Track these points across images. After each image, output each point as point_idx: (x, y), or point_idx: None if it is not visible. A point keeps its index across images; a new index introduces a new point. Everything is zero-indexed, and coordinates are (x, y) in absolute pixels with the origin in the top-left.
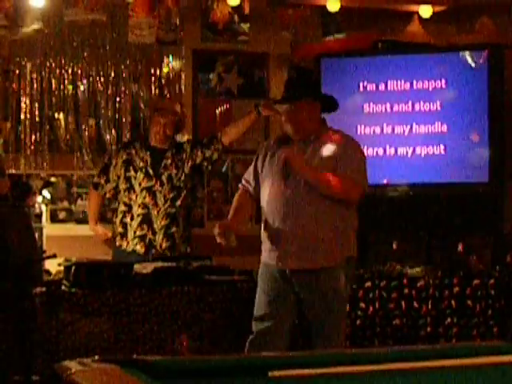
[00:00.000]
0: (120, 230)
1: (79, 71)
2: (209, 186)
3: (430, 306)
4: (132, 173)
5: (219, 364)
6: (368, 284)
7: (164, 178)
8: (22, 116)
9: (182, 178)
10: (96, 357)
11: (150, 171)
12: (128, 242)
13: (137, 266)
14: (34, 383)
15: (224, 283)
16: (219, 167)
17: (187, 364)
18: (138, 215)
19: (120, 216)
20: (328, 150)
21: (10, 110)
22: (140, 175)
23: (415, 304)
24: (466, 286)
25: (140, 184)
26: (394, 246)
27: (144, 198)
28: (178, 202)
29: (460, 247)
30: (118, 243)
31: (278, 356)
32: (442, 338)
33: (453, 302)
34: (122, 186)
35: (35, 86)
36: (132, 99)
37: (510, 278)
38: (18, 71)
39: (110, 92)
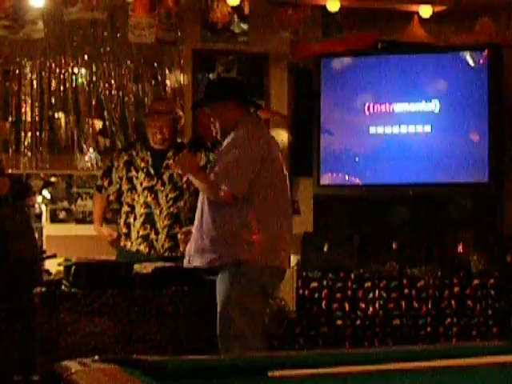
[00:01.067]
0: (124, 230)
1: (79, 71)
2: None
3: (429, 306)
4: (133, 173)
5: (219, 364)
6: (368, 284)
7: (165, 177)
8: (22, 116)
9: (185, 178)
10: (96, 357)
11: (151, 171)
12: (132, 242)
13: (137, 266)
14: (33, 383)
15: None
16: None
17: (187, 364)
18: (141, 215)
19: (124, 217)
20: (219, 149)
21: (10, 110)
22: (141, 175)
23: (415, 304)
24: (465, 286)
25: (141, 184)
26: (394, 246)
27: (146, 197)
28: (181, 203)
29: (460, 247)
30: (122, 243)
31: (277, 356)
32: (442, 338)
33: (453, 302)
34: (125, 187)
35: (35, 85)
36: (133, 99)
37: (509, 278)
38: (18, 71)
39: (110, 92)
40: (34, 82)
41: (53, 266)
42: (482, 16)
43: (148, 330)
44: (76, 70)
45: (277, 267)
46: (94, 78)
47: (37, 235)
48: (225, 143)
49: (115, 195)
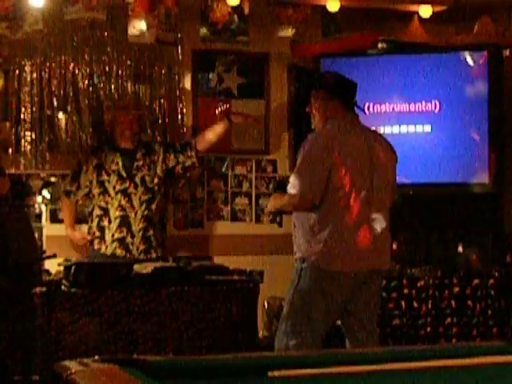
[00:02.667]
0: (97, 233)
1: (79, 71)
2: (209, 186)
3: (429, 306)
4: (105, 177)
5: (219, 364)
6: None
7: (137, 179)
8: (22, 116)
9: (156, 180)
10: (96, 357)
11: (123, 173)
12: (106, 246)
13: (136, 266)
14: (33, 383)
15: (223, 283)
16: (218, 168)
17: (187, 364)
18: (116, 218)
19: (96, 220)
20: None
21: (10, 110)
22: (113, 178)
23: (415, 304)
24: (465, 286)
25: (114, 187)
26: (394, 246)
27: (120, 200)
28: (154, 205)
29: (460, 247)
30: (96, 246)
31: (277, 356)
32: (442, 338)
33: (453, 302)
34: (96, 191)
35: (35, 85)
36: (133, 99)
37: (509, 278)
38: (17, 71)
39: (110, 92)
40: (34, 82)
41: (53, 266)
42: (481, 16)
43: (148, 329)
44: (76, 70)
45: (338, 272)
46: (94, 79)
47: (37, 235)
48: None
49: (84, 199)
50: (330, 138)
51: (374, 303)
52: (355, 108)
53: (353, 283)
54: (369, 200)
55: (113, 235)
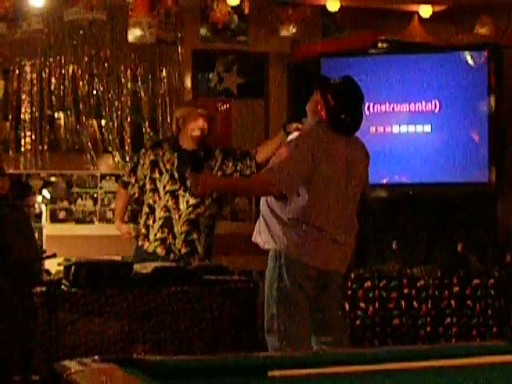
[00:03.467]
0: (143, 231)
1: (79, 71)
2: None
3: (429, 306)
4: (157, 175)
5: (219, 364)
6: (368, 284)
7: (189, 182)
8: (22, 116)
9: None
10: (96, 357)
11: (175, 174)
12: (150, 243)
13: (136, 266)
14: (33, 383)
15: (223, 283)
16: None
17: (187, 364)
18: (160, 218)
19: (144, 217)
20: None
21: (10, 110)
22: (165, 177)
23: (415, 304)
24: (465, 286)
25: (164, 187)
26: (394, 246)
27: (167, 201)
28: (201, 209)
29: (460, 247)
30: (140, 243)
31: (277, 356)
32: (442, 338)
33: (452, 302)
34: (148, 187)
35: (35, 85)
36: (133, 99)
37: (509, 277)
38: (17, 71)
39: (110, 91)
40: (34, 82)
41: (53, 265)
42: (481, 16)
43: (148, 329)
44: (76, 70)
45: (314, 267)
46: (94, 78)
47: (37, 235)
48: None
49: (139, 192)
50: (319, 137)
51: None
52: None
53: (323, 280)
54: (344, 203)
55: (155, 234)
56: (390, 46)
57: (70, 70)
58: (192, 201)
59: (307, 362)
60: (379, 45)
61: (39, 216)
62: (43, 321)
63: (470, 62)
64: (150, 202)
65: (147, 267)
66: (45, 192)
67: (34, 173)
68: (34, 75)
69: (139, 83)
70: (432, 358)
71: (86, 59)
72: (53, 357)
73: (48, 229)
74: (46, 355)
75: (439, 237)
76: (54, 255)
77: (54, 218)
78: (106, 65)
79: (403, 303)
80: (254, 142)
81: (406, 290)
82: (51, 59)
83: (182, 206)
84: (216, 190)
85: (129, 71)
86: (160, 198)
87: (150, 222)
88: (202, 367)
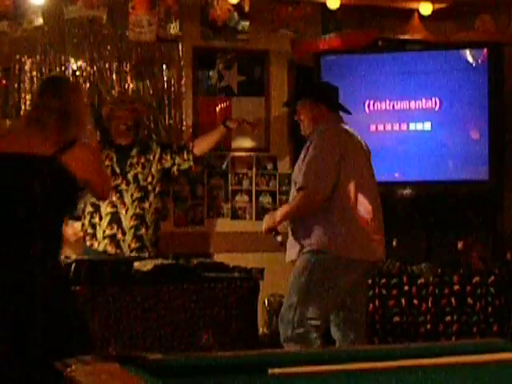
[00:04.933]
0: (89, 230)
1: (80, 68)
2: (209, 184)
3: (429, 304)
4: None
5: (219, 361)
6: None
7: (130, 176)
8: (22, 113)
9: (149, 179)
10: (96, 354)
11: (116, 169)
12: (98, 242)
13: (136, 264)
14: (33, 381)
15: (224, 281)
16: (219, 166)
17: (186, 361)
18: (107, 214)
19: (88, 217)
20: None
21: (10, 108)
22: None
23: (415, 301)
24: (465, 284)
25: None
26: (394, 244)
27: (111, 196)
28: (146, 204)
29: (460, 245)
30: (88, 243)
31: (277, 353)
32: (442, 336)
33: (453, 300)
34: None
35: (35, 83)
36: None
37: (509, 275)
38: (18, 69)
39: (111, 89)
40: (35, 80)
41: None
42: (481, 14)
43: (148, 327)
44: (76, 68)
45: (352, 259)
46: (95, 76)
47: None
48: (307, 147)
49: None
50: (336, 134)
51: (364, 302)
52: (340, 110)
53: (361, 272)
54: (369, 192)
55: (104, 231)
56: (389, 43)
57: (70, 68)
58: (136, 194)
59: (307, 360)
60: (379, 42)
61: None
62: None
63: (470, 59)
64: (93, 200)
65: (147, 264)
66: None
67: None
68: (35, 73)
69: (139, 81)
70: (432, 355)
71: (86, 57)
72: None
73: None
74: None
75: (439, 234)
76: None
77: None
78: (105, 62)
79: (403, 301)
80: (255, 140)
81: (406, 288)
82: (51, 57)
83: (127, 200)
84: (279, 224)
85: (129, 69)
86: None
87: (96, 219)
88: (202, 365)
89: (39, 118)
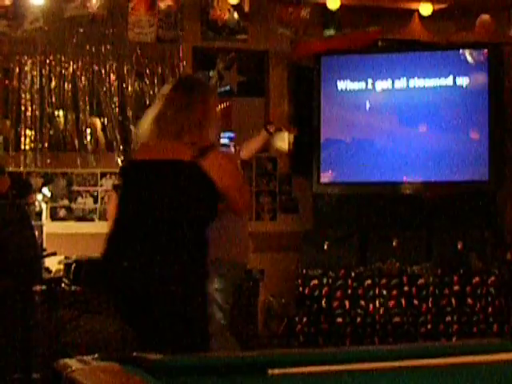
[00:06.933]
0: None
1: (80, 69)
2: None
3: (430, 304)
4: None
5: (219, 362)
6: (368, 282)
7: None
8: (22, 114)
9: None
10: (96, 354)
11: None
12: None
13: None
14: (34, 381)
15: None
16: None
17: (187, 362)
18: None
19: None
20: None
21: (10, 108)
22: None
23: (415, 301)
24: (466, 284)
25: None
26: (394, 244)
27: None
28: None
29: (460, 245)
30: None
31: (277, 354)
32: (443, 336)
33: (453, 300)
34: None
35: (35, 83)
36: (134, 97)
37: (509, 275)
38: (18, 69)
39: (110, 89)
40: (34, 80)
41: (53, 263)
42: (482, 14)
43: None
44: (76, 68)
45: (242, 263)
46: (94, 76)
47: (37, 233)
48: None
49: None
50: None
51: None
52: None
53: None
54: None
55: None
56: (390, 43)
57: (71, 68)
58: None
59: (307, 360)
60: (379, 43)
61: (39, 214)
62: (43, 318)
63: (470, 59)
64: None
65: None
66: (45, 190)
67: (35, 171)
68: (35, 73)
69: (139, 81)
70: (432, 355)
71: (87, 57)
72: (53, 354)
73: (48, 227)
74: (47, 353)
75: (439, 235)
76: (54, 253)
77: (54, 216)
78: (106, 63)
79: (403, 301)
80: None
81: (406, 288)
82: (51, 57)
83: None
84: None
85: (129, 69)
86: None
87: None
88: (202, 365)
89: (177, 120)
